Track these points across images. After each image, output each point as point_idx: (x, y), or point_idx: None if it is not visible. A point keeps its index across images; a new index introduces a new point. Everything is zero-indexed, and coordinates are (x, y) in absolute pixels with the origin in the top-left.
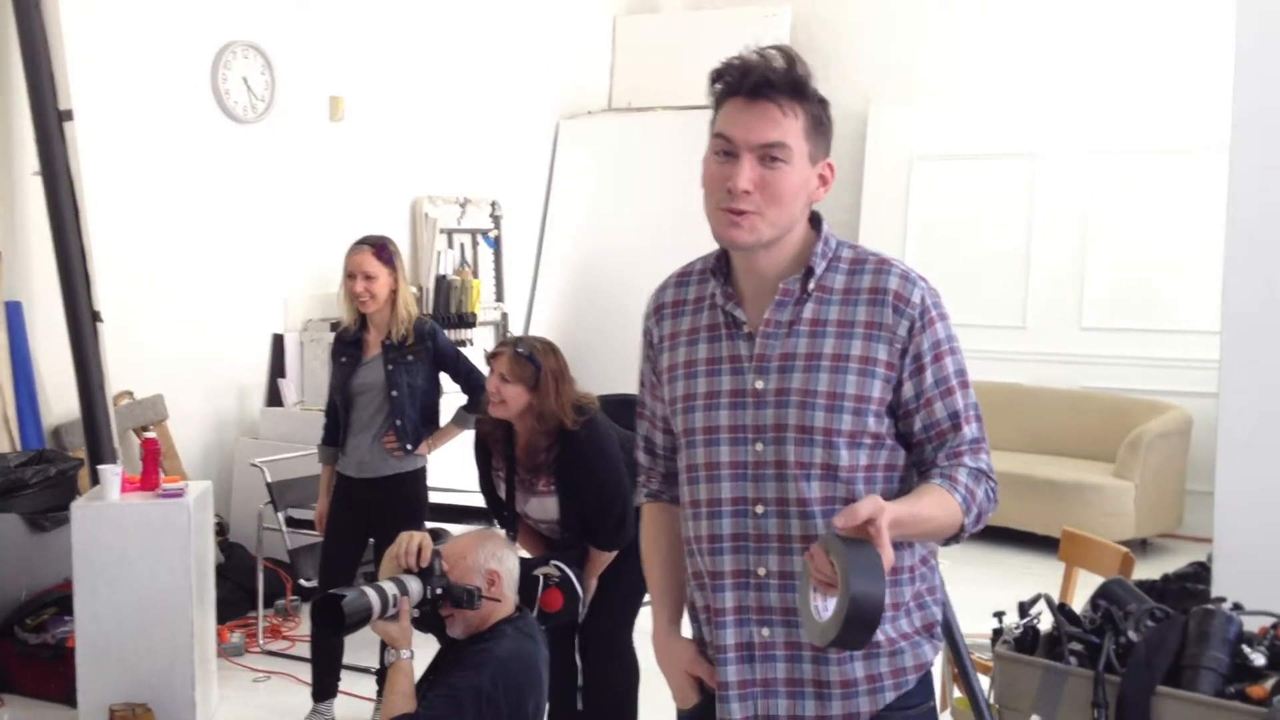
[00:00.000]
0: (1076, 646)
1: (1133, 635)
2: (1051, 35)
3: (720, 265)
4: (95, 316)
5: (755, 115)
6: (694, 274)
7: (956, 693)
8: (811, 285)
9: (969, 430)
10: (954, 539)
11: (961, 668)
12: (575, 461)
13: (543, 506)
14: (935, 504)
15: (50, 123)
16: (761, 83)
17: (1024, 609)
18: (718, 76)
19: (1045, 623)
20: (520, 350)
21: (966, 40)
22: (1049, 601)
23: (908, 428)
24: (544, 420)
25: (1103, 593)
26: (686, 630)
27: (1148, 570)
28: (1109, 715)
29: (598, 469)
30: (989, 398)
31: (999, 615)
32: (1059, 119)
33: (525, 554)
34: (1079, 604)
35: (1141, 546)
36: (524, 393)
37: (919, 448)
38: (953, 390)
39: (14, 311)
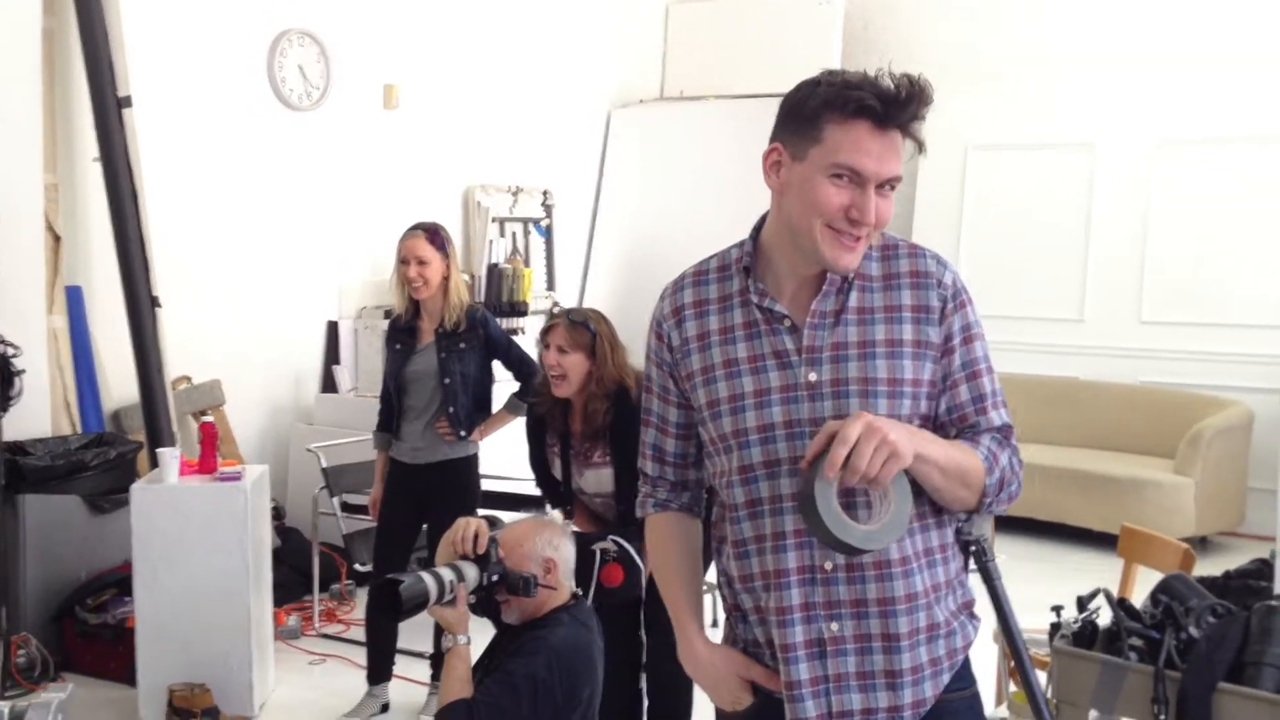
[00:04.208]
0: (1136, 642)
1: (1194, 631)
2: (1111, 22)
3: (751, 260)
4: (154, 301)
5: (887, 147)
6: (711, 272)
7: (1013, 687)
8: (852, 274)
9: (995, 416)
10: (975, 510)
11: (1019, 662)
12: (633, 425)
13: (598, 479)
14: (957, 445)
15: (109, 109)
16: (909, 119)
17: (1082, 604)
18: (844, 94)
19: (1104, 618)
20: (574, 319)
21: (1023, 27)
22: (1108, 596)
23: (933, 410)
24: (602, 384)
25: (1163, 588)
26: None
27: (1208, 568)
28: (1169, 712)
29: None
30: (1045, 391)
31: (1057, 610)
32: (1118, 108)
33: (580, 530)
34: (1138, 600)
35: (1201, 544)
36: (584, 360)
37: (941, 430)
38: (979, 374)
39: (74, 296)
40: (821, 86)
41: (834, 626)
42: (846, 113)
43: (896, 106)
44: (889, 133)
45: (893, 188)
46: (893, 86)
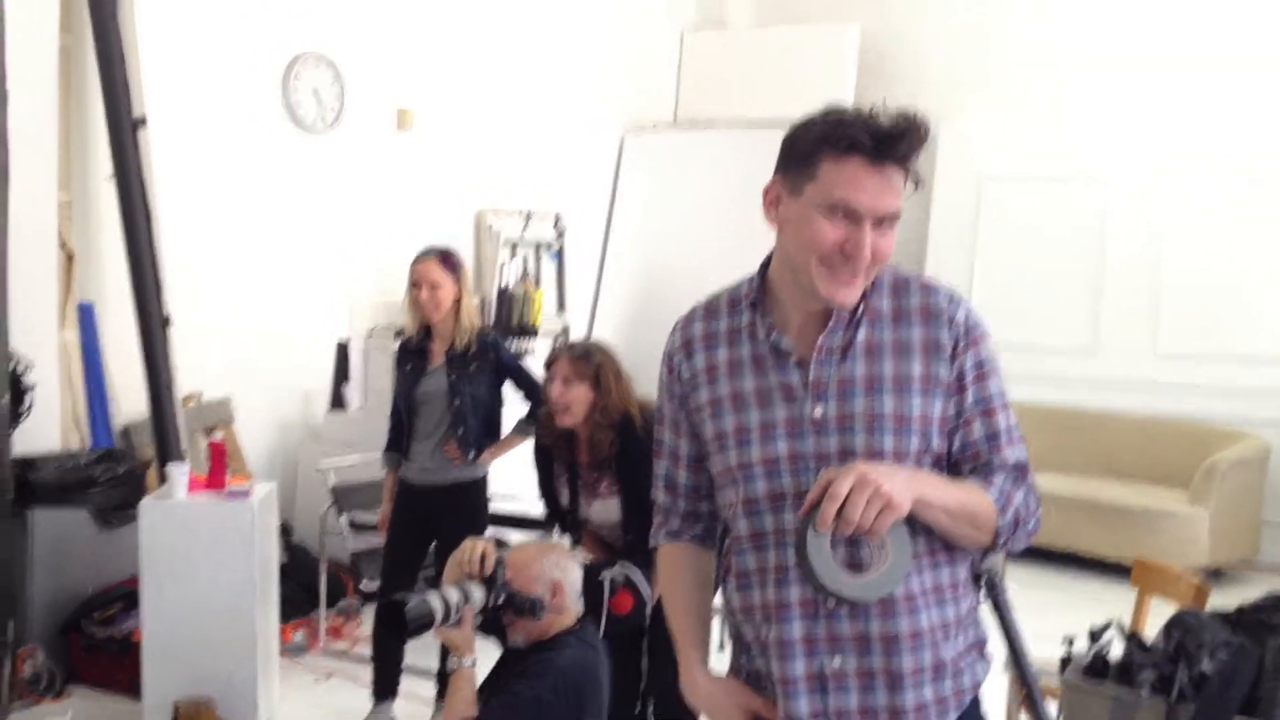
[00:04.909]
0: (1149, 676)
1: (1207, 666)
2: (1124, 55)
3: (759, 295)
4: (165, 320)
5: (881, 184)
6: (722, 306)
7: (1024, 718)
8: (860, 308)
9: (1010, 453)
10: (990, 548)
11: (1029, 694)
12: (638, 456)
13: (605, 509)
14: (965, 487)
15: (124, 129)
16: (903, 155)
17: (1095, 636)
18: (837, 131)
19: (1116, 650)
20: (577, 351)
21: (1038, 59)
22: (1121, 629)
23: (946, 447)
24: (607, 414)
25: (1176, 622)
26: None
27: (1222, 600)
28: None
29: None
30: (1059, 421)
31: (1069, 641)
32: (1134, 138)
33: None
34: (1151, 633)
35: (1215, 576)
36: (588, 391)
37: (955, 468)
38: (993, 411)
39: (86, 313)
40: (817, 123)
41: (836, 662)
42: (840, 149)
43: (889, 143)
44: (884, 169)
45: (892, 224)
46: (887, 123)
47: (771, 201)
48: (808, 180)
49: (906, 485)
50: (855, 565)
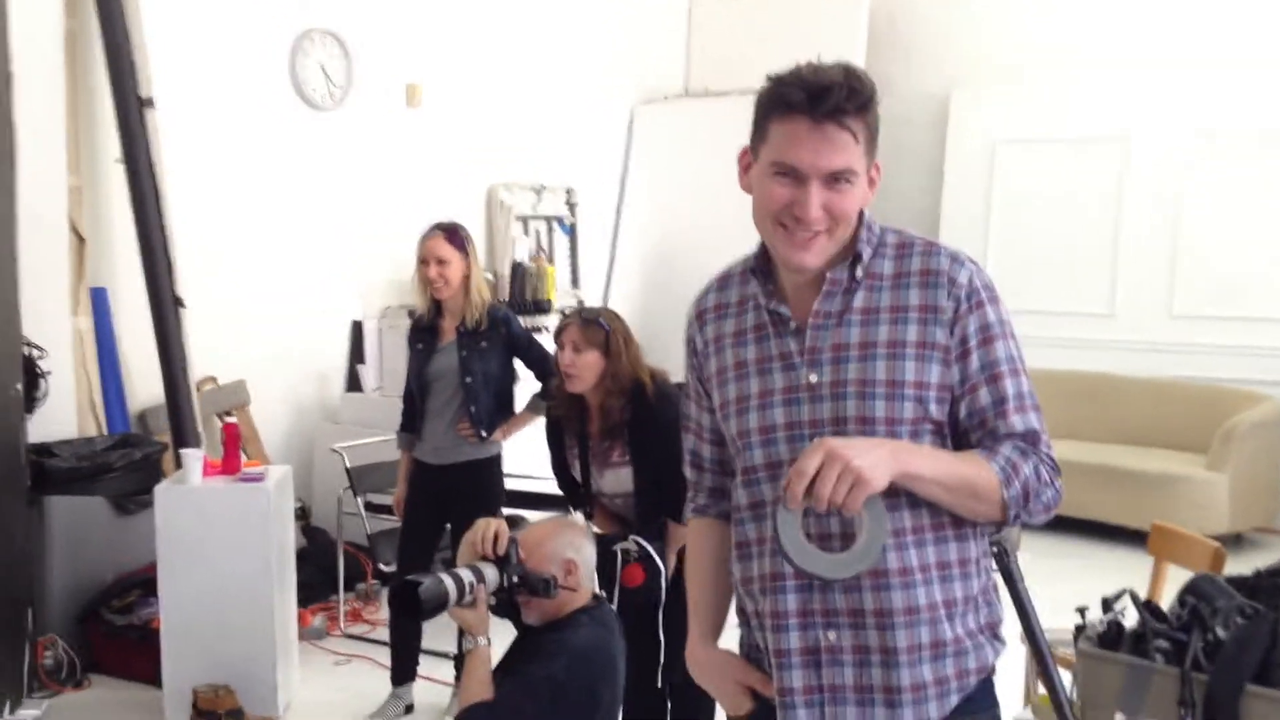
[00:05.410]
0: (1162, 643)
1: (1221, 632)
2: (1143, 13)
3: (760, 264)
4: (178, 302)
5: (821, 140)
6: (734, 276)
7: (1041, 689)
8: (859, 273)
9: (1019, 420)
10: (1000, 523)
11: (1042, 663)
12: (648, 422)
13: (617, 479)
14: (964, 459)
15: (132, 110)
16: (833, 110)
17: (1108, 604)
18: (778, 91)
19: (1130, 618)
20: (587, 316)
21: (1052, 23)
22: (1134, 597)
23: (953, 415)
24: (618, 380)
25: (1190, 589)
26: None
27: (1241, 565)
28: (1196, 714)
29: (671, 429)
30: (1075, 386)
31: (1082, 611)
32: (1150, 102)
33: (600, 531)
34: (1168, 599)
35: (1235, 541)
36: (598, 358)
37: (964, 437)
38: (1000, 376)
39: (99, 297)
40: (768, 86)
41: (831, 635)
42: (782, 110)
43: (824, 98)
44: (824, 125)
45: (847, 181)
46: (823, 79)
47: (743, 169)
48: (761, 143)
49: (887, 459)
50: (849, 538)
